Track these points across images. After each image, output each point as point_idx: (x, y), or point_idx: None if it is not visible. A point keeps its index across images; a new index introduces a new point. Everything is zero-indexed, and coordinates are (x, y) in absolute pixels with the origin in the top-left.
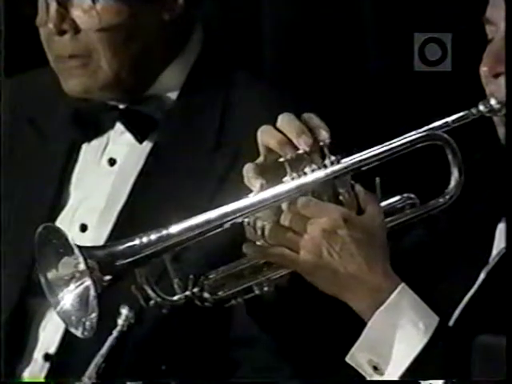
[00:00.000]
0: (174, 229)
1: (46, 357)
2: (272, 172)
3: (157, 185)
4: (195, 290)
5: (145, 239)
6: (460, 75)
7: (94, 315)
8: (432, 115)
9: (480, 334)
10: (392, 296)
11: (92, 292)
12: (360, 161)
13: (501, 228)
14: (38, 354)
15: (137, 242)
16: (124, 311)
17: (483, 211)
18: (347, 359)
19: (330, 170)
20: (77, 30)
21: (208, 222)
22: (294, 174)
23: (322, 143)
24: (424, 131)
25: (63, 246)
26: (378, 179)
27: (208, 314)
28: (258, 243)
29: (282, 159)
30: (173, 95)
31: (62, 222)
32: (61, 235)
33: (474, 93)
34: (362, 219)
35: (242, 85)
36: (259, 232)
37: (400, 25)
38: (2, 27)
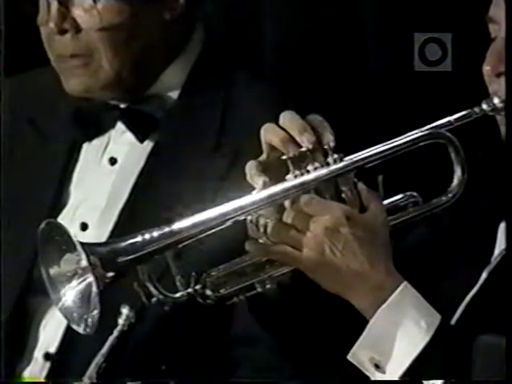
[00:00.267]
0: (177, 226)
1: (47, 356)
2: (275, 170)
3: (157, 184)
4: (197, 287)
5: (147, 236)
6: (460, 75)
7: (95, 312)
8: (432, 115)
9: (482, 333)
10: (394, 294)
11: (94, 289)
12: (363, 159)
13: (503, 227)
14: (38, 354)
15: (139, 238)
16: (125, 311)
17: (485, 210)
18: (349, 357)
19: (332, 167)
20: (78, 29)
21: (210, 219)
22: (297, 172)
23: (326, 146)
24: (427, 130)
25: (66, 243)
26: (380, 177)
27: (208, 313)
28: (261, 241)
29: (284, 157)
30: (174, 94)
31: (62, 221)
32: (63, 232)
33: (474, 93)
34: (364, 217)
35: (242, 84)
36: (262, 230)
37: (400, 25)
38: (2, 27)
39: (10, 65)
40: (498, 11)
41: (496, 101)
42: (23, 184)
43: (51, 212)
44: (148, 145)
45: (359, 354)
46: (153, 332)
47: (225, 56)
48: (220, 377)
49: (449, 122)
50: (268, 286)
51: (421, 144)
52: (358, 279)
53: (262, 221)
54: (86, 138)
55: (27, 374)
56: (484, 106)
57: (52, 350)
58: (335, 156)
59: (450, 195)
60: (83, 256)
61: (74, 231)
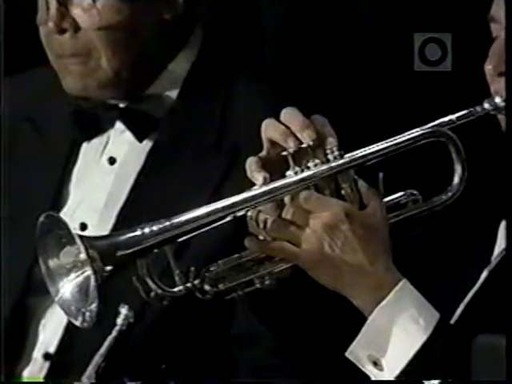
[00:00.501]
0: (176, 220)
1: (46, 356)
2: (275, 166)
3: (157, 183)
4: (196, 282)
5: (147, 230)
6: (460, 75)
7: (94, 306)
8: (432, 115)
9: (482, 333)
10: (393, 292)
11: (92, 282)
12: (363, 156)
13: (503, 226)
14: (37, 354)
15: (138, 232)
16: (123, 310)
17: (486, 209)
18: (347, 354)
19: (332, 164)
20: (77, 28)
21: (210, 213)
22: (297, 168)
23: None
24: (428, 128)
25: (65, 236)
26: (381, 175)
27: (208, 312)
28: (261, 237)
29: (285, 153)
30: (173, 94)
31: None
32: (63, 225)
33: (474, 93)
34: (364, 214)
35: (242, 83)
36: (261, 225)
37: (400, 25)
38: (1, 26)
39: (10, 64)
40: (499, 10)
41: (498, 100)
42: (23, 184)
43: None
44: (147, 144)
45: (357, 352)
46: (152, 331)
47: (224, 55)
48: (220, 376)
49: (450, 120)
50: (267, 282)
51: (422, 142)
52: (357, 276)
53: (261, 216)
54: (85, 137)
55: (26, 373)
56: (486, 105)
57: (51, 349)
58: (336, 153)
59: (450, 194)
60: (82, 249)
61: None
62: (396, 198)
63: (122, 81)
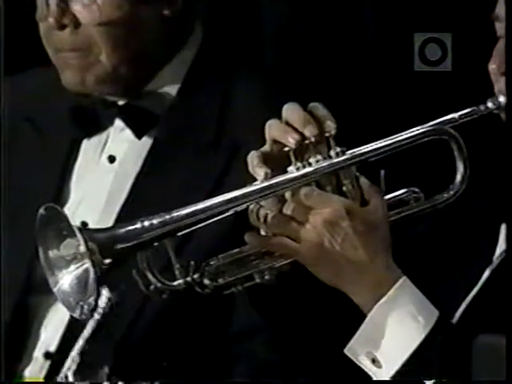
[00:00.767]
0: (176, 214)
1: (47, 355)
2: (277, 161)
3: (157, 181)
4: (196, 276)
5: (147, 223)
6: (460, 75)
7: (92, 298)
8: (432, 115)
9: (483, 332)
10: (392, 289)
11: (91, 275)
12: (365, 153)
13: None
14: (38, 353)
15: (138, 225)
16: (105, 292)
17: (488, 208)
18: (346, 351)
19: (334, 161)
20: (77, 24)
21: (211, 207)
22: (299, 164)
23: (327, 134)
24: (430, 126)
25: (66, 229)
26: (382, 172)
27: (207, 307)
28: (262, 232)
29: (287, 148)
30: (173, 90)
31: None
32: (62, 217)
33: (474, 93)
34: (365, 211)
35: (241, 81)
36: (262, 220)
37: (400, 25)
38: (2, 26)
39: (10, 64)
40: (504, 9)
41: (501, 99)
42: (23, 183)
43: None
44: (147, 142)
45: (356, 348)
46: (152, 330)
47: (224, 52)
48: (218, 373)
49: (453, 118)
50: (267, 277)
51: (424, 140)
52: (357, 273)
53: (262, 211)
54: (84, 135)
55: (28, 373)
56: (489, 104)
57: (52, 348)
58: (337, 149)
59: (451, 192)
60: (81, 241)
61: None
62: (397, 196)
63: (120, 76)
